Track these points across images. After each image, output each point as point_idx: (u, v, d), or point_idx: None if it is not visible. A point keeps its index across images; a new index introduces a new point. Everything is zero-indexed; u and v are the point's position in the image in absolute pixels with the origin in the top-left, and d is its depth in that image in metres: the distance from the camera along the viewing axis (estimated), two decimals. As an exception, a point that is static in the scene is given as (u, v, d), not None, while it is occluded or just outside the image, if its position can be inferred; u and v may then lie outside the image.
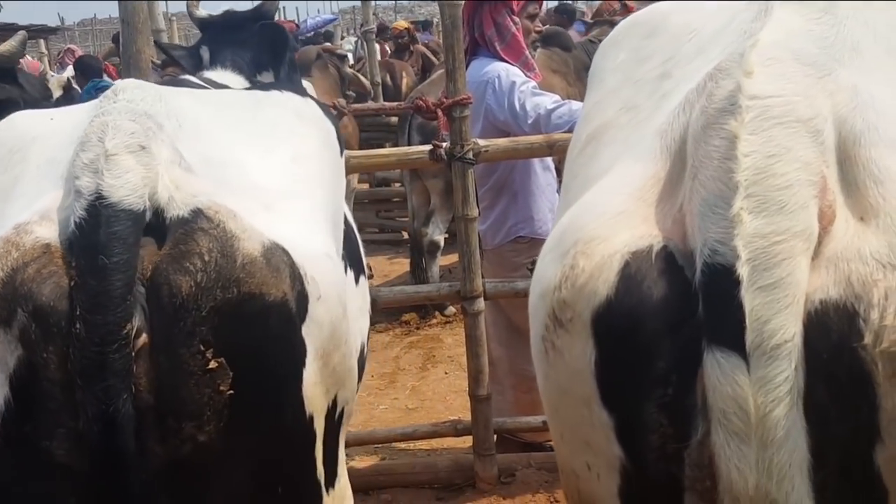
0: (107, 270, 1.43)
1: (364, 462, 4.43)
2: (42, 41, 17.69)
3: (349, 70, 8.84)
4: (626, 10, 8.43)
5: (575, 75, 6.30)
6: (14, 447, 1.50)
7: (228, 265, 1.50)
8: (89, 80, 8.42)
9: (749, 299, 1.23)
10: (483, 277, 3.91)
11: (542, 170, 4.24)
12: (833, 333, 1.24)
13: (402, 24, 13.09)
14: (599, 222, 1.42)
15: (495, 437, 4.07)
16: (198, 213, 1.54)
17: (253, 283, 1.52)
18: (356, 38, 14.28)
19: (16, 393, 1.47)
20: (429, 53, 11.82)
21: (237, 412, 1.52)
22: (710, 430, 1.28)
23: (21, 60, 3.99)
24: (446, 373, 5.88)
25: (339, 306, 1.72)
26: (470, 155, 3.72)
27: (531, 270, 3.95)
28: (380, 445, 4.54)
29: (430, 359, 6.19)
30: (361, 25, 10.32)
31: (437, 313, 6.90)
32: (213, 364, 1.49)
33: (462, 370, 5.50)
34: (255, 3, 3.99)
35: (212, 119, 1.86)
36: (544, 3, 5.03)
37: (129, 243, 1.46)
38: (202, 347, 1.48)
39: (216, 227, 1.53)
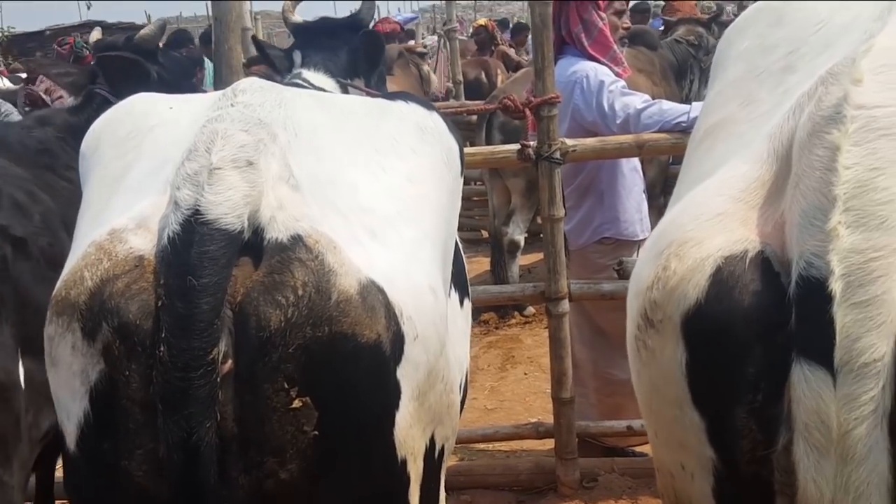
0: (194, 292, 1.38)
1: (446, 461, 4.44)
2: (129, 38, 18.25)
3: (427, 69, 8.89)
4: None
5: (660, 74, 6.22)
6: (92, 463, 1.48)
7: (322, 302, 1.43)
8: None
9: (841, 315, 1.22)
10: (567, 279, 3.89)
11: (630, 170, 4.20)
12: None
13: (481, 21, 13.02)
14: (696, 224, 1.42)
15: (577, 440, 4.04)
16: (297, 241, 1.46)
17: (346, 323, 1.44)
18: (437, 36, 14.31)
19: (95, 408, 1.45)
20: (511, 52, 11.81)
21: (322, 453, 1.46)
22: (793, 440, 1.28)
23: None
24: (525, 374, 5.87)
25: (437, 344, 1.64)
26: (557, 154, 3.71)
27: (617, 271, 3.95)
28: (459, 446, 4.55)
29: (510, 359, 6.19)
30: (445, 24, 10.36)
31: (515, 313, 6.89)
32: (297, 403, 1.43)
33: (541, 371, 5.49)
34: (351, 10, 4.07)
35: (330, 129, 1.77)
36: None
37: (220, 265, 1.40)
38: (286, 385, 1.42)
39: (314, 259, 1.46)
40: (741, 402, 1.32)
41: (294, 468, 1.45)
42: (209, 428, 1.38)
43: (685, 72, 6.44)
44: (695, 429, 1.40)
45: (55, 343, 1.48)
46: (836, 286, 1.22)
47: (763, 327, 1.31)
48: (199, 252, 1.39)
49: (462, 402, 2.09)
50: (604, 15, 4.10)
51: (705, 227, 1.41)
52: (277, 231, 1.47)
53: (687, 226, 1.43)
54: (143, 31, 3.80)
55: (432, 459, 1.71)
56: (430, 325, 1.62)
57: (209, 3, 3.85)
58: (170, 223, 1.43)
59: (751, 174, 1.45)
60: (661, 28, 8.06)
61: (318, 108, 1.83)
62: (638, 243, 4.24)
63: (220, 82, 3.79)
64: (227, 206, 1.43)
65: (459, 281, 2.17)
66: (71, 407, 1.48)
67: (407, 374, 1.55)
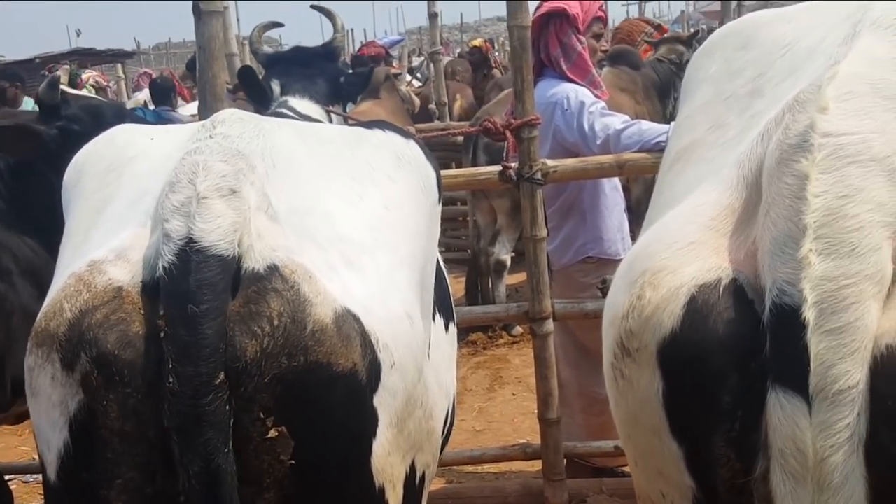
0: (197, 319, 1.39)
1: (431, 485, 4.42)
2: (119, 65, 18.28)
3: (404, 88, 8.92)
4: (660, 31, 8.36)
5: (643, 94, 6.26)
6: (72, 493, 1.48)
7: (297, 332, 1.44)
8: (161, 101, 8.73)
9: (815, 343, 1.23)
10: (551, 298, 3.89)
11: (611, 189, 4.22)
12: None
13: (476, 42, 12.71)
14: (669, 252, 1.43)
15: (565, 461, 4.03)
16: (273, 271, 1.48)
17: (321, 352, 1.45)
18: (422, 58, 14.36)
19: (74, 438, 1.45)
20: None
21: (300, 483, 1.47)
22: (770, 468, 1.28)
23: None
24: (514, 394, 5.85)
25: (414, 371, 1.65)
26: (539, 175, 3.72)
27: (601, 290, 3.95)
28: (446, 468, 4.53)
29: (498, 380, 6.17)
30: (430, 46, 10.40)
31: (503, 333, 6.88)
32: (273, 433, 1.43)
33: (530, 391, 5.47)
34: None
35: (308, 158, 1.79)
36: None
37: (218, 290, 1.42)
38: (262, 415, 1.43)
39: (290, 289, 1.47)
40: (719, 430, 1.32)
41: (271, 497, 1.46)
42: (227, 453, 1.39)
43: (668, 90, 6.49)
44: (673, 457, 1.40)
45: (35, 374, 1.49)
46: (809, 314, 1.23)
47: (738, 355, 1.31)
48: (198, 280, 1.41)
49: (450, 428, 2.09)
50: (583, 39, 4.13)
51: (678, 256, 1.41)
52: (254, 261, 1.48)
53: (660, 254, 1.44)
54: (39, 90, 3.82)
55: (413, 486, 1.71)
56: (407, 352, 1.63)
57: (195, 30, 3.86)
58: (163, 254, 1.44)
59: (721, 201, 1.45)
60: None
61: (296, 138, 1.85)
62: (620, 262, 4.24)
63: (206, 109, 3.79)
64: (218, 234, 1.45)
65: (444, 305, 2.18)
66: (51, 437, 1.48)
67: (384, 402, 1.56)
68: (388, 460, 1.59)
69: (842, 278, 1.23)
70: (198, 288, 1.41)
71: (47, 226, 3.54)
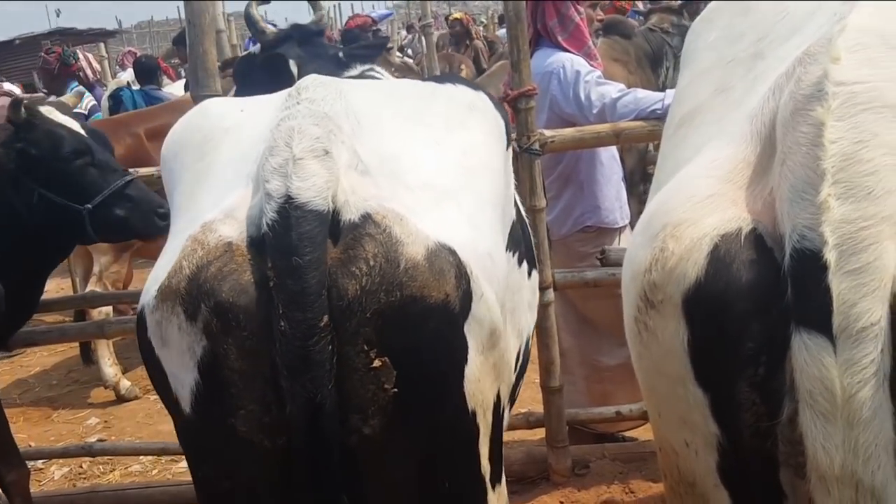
0: (301, 270, 1.52)
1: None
2: (102, 44, 18.07)
3: (396, 59, 8.91)
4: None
5: (636, 63, 6.25)
6: (204, 422, 1.67)
7: (392, 270, 1.57)
8: (146, 80, 8.64)
9: (836, 283, 1.26)
10: (551, 268, 3.92)
11: (608, 159, 4.25)
12: None
13: (457, 14, 13.12)
14: (689, 205, 1.46)
15: (567, 428, 4.08)
16: (367, 218, 1.61)
17: (415, 287, 1.58)
18: (413, 33, 14.36)
19: (204, 377, 1.62)
20: (484, 49, 11.81)
21: (401, 408, 1.60)
22: (798, 410, 1.31)
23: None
24: (514, 364, 5.88)
25: (497, 305, 1.76)
26: (536, 146, 3.74)
27: (600, 260, 3.98)
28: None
29: (498, 350, 6.19)
30: (420, 19, 10.38)
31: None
32: (377, 363, 1.57)
33: (532, 361, 5.50)
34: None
35: (387, 112, 1.92)
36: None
37: (317, 242, 1.55)
38: (366, 347, 1.56)
39: (382, 233, 1.60)
40: (743, 375, 1.36)
41: (376, 423, 1.60)
42: (331, 389, 1.53)
43: (660, 59, 6.48)
44: (698, 405, 1.43)
45: (163, 326, 1.65)
46: (830, 256, 1.26)
47: (761, 301, 1.34)
48: (299, 233, 1.54)
49: (522, 372, 2.25)
50: (581, 9, 4.13)
51: (698, 208, 1.44)
52: (350, 213, 1.62)
53: (680, 208, 1.47)
54: (7, 110, 3.84)
55: (498, 415, 1.83)
56: (489, 286, 1.74)
57: (180, 5, 3.79)
58: (266, 212, 1.58)
59: (736, 155, 1.49)
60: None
61: (373, 95, 2.00)
62: (619, 230, 4.29)
63: (197, 86, 3.76)
64: (314, 191, 1.58)
65: (528, 254, 2.32)
66: (184, 378, 1.65)
67: (473, 330, 1.68)
68: (478, 386, 1.71)
69: (860, 220, 1.27)
70: (299, 241, 1.54)
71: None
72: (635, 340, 1.55)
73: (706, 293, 1.39)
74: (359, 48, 3.76)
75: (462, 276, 1.64)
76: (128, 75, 10.18)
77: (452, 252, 1.65)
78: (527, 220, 2.50)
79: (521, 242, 2.24)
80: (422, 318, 1.59)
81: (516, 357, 2.10)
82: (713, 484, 1.49)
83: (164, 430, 5.28)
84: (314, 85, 1.83)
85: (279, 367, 1.54)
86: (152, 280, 1.71)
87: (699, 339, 1.41)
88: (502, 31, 13.67)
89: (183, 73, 10.13)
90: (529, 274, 2.32)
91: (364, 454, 1.61)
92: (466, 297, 1.65)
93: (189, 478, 1.86)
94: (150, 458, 5.05)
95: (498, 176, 2.02)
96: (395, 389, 1.58)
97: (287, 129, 1.66)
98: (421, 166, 1.80)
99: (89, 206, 3.77)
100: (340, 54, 3.67)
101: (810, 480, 1.32)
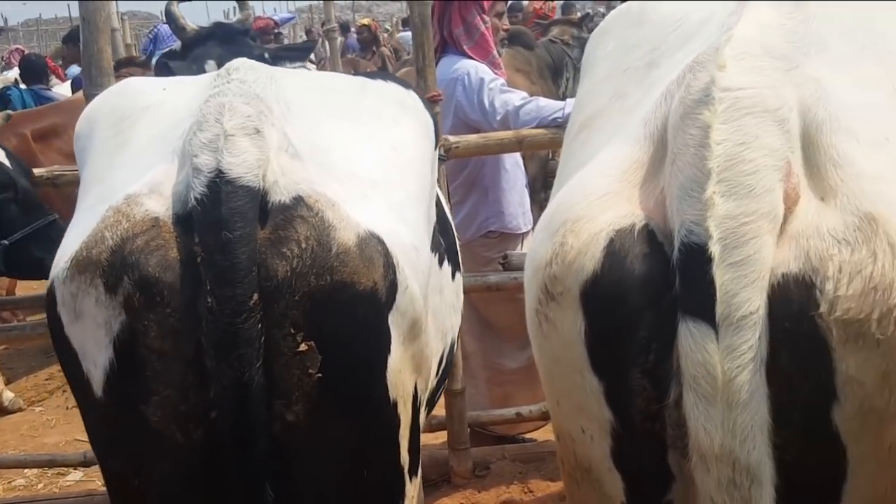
0: (231, 245, 1.49)
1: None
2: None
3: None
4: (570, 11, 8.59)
5: (538, 74, 6.41)
6: (116, 407, 1.60)
7: (323, 253, 1.56)
8: (34, 79, 8.35)
9: (719, 275, 1.35)
10: (455, 271, 3.97)
11: (512, 165, 4.33)
12: (793, 304, 1.36)
13: (365, 20, 13.22)
14: (587, 203, 1.53)
15: (469, 431, 4.13)
16: (299, 201, 1.59)
17: (346, 272, 1.57)
18: (319, 38, 14.30)
19: (118, 356, 1.56)
20: (391, 56, 11.87)
21: (326, 395, 1.58)
22: (683, 393, 1.40)
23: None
24: (417, 368, 5.89)
25: (420, 298, 1.76)
26: (441, 151, 3.79)
27: (502, 265, 4.05)
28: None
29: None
30: (323, 24, 10.34)
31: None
32: (303, 347, 1.54)
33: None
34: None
35: (317, 102, 1.91)
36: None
37: (248, 218, 1.52)
38: (293, 330, 1.54)
39: (315, 216, 1.58)
40: (636, 363, 1.44)
41: (299, 410, 1.57)
42: (258, 368, 1.50)
43: (561, 70, 6.66)
44: (594, 392, 1.50)
45: (78, 298, 1.58)
46: (714, 249, 1.35)
47: (652, 293, 1.43)
48: (229, 208, 1.51)
49: (444, 377, 2.25)
50: (487, 18, 4.21)
51: (595, 206, 1.52)
52: (280, 194, 1.60)
53: (579, 205, 1.54)
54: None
55: (416, 407, 1.83)
56: (414, 279, 1.74)
57: (69, 4, 3.69)
58: (194, 187, 1.54)
59: (630, 156, 1.57)
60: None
61: (304, 84, 1.98)
62: (522, 236, 4.38)
63: (91, 85, 3.65)
64: (245, 167, 1.55)
65: (451, 255, 2.34)
66: (97, 356, 1.58)
67: (396, 322, 1.69)
68: (399, 376, 1.71)
69: (742, 216, 1.36)
70: (230, 216, 1.51)
71: None
72: (536, 332, 1.60)
73: (602, 285, 1.46)
74: (285, 49, 3.75)
75: (389, 266, 1.64)
76: (14, 74, 9.83)
77: (381, 241, 1.64)
78: (451, 221, 2.52)
79: (443, 243, 2.25)
80: (350, 305, 1.58)
81: (440, 360, 2.11)
82: (607, 468, 1.56)
83: (50, 442, 5.11)
84: (244, 67, 1.81)
85: (205, 346, 1.50)
86: (63, 252, 1.64)
87: (595, 329, 1.48)
88: (403, 34, 13.80)
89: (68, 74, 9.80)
90: (453, 276, 2.35)
91: (287, 441, 1.58)
92: (392, 287, 1.65)
93: (78, 489, 1.80)
94: (35, 471, 4.78)
95: (425, 174, 2.04)
96: (320, 375, 1.56)
97: (217, 105, 1.63)
98: (351, 158, 1.80)
99: (6, 241, 3.65)
100: (266, 55, 3.66)
101: (692, 459, 1.41)
